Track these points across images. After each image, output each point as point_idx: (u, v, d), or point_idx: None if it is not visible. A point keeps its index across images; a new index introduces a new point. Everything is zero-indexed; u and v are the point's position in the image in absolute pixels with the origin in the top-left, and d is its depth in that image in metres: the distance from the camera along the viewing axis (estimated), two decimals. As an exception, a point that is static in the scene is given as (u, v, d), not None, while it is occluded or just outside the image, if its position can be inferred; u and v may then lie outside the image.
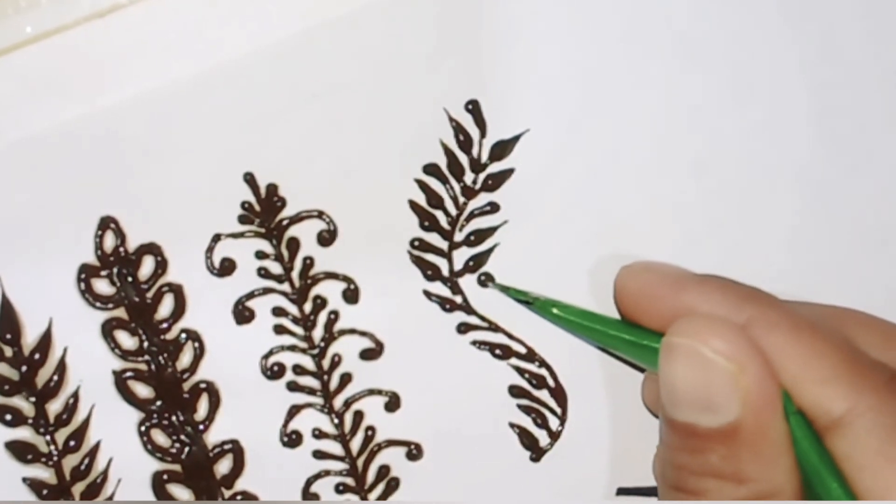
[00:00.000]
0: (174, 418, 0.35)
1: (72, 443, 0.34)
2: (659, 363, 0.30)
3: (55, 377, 0.34)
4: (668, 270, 0.33)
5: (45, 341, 0.34)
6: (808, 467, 0.29)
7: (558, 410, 0.36)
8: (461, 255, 0.35)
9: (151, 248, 0.34)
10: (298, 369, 0.35)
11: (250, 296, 0.35)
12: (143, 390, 0.34)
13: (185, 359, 0.35)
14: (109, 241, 0.34)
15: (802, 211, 0.36)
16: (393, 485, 0.35)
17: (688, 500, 0.30)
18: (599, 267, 0.36)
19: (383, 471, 0.35)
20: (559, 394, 0.36)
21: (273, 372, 0.35)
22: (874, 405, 0.28)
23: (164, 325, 0.34)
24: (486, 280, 0.35)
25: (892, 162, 0.37)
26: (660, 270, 0.33)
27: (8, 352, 0.34)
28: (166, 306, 0.35)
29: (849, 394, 0.29)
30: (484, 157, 0.35)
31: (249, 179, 0.35)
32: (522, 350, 0.36)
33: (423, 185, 0.35)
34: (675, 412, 0.30)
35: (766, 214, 0.36)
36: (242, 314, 0.35)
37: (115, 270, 0.34)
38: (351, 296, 0.35)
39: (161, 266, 0.34)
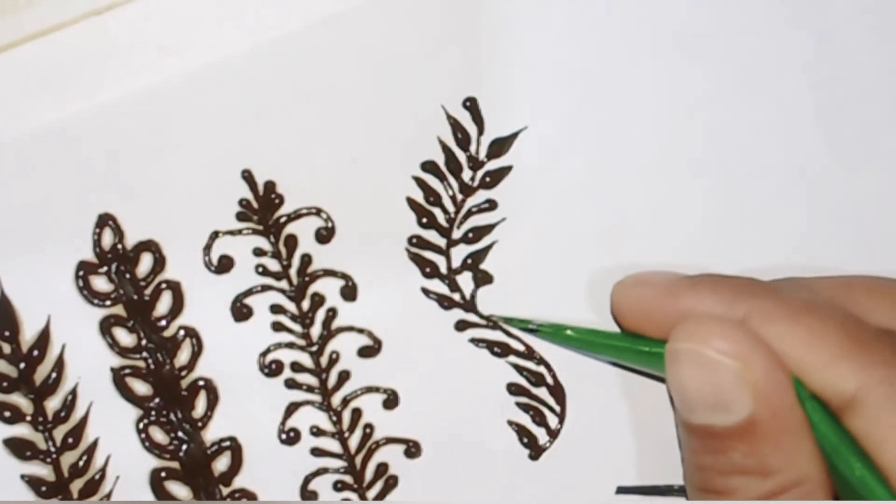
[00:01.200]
0: (172, 415, 0.35)
1: (70, 440, 0.34)
2: (665, 370, 0.30)
3: (53, 374, 0.34)
4: (659, 279, 0.33)
5: (44, 338, 0.34)
6: (829, 450, 0.29)
7: (557, 408, 0.36)
8: (459, 253, 0.35)
9: (149, 246, 0.34)
10: (296, 366, 0.35)
11: (248, 293, 0.35)
12: (141, 387, 0.34)
13: (182, 356, 0.35)
14: (107, 239, 0.34)
15: (804, 208, 0.36)
16: (391, 482, 0.35)
17: (717, 500, 0.30)
18: (598, 264, 0.35)
19: (381, 468, 0.35)
20: (558, 391, 0.36)
21: (271, 369, 0.35)
22: (885, 378, 0.28)
23: (163, 323, 0.35)
24: (489, 317, 0.35)
25: (893, 159, 0.36)
26: (652, 281, 0.33)
27: (6, 349, 0.34)
28: (164, 303, 0.35)
29: (857, 371, 0.29)
30: (482, 155, 0.35)
31: (247, 176, 0.35)
32: (521, 347, 0.36)
33: (421, 183, 0.35)
34: (690, 416, 0.30)
35: (766, 212, 0.36)
36: (240, 311, 0.35)
37: (113, 267, 0.34)
38: (349, 293, 0.35)
39: (159, 263, 0.34)
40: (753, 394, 0.29)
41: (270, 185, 0.35)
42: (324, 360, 0.35)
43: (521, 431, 0.36)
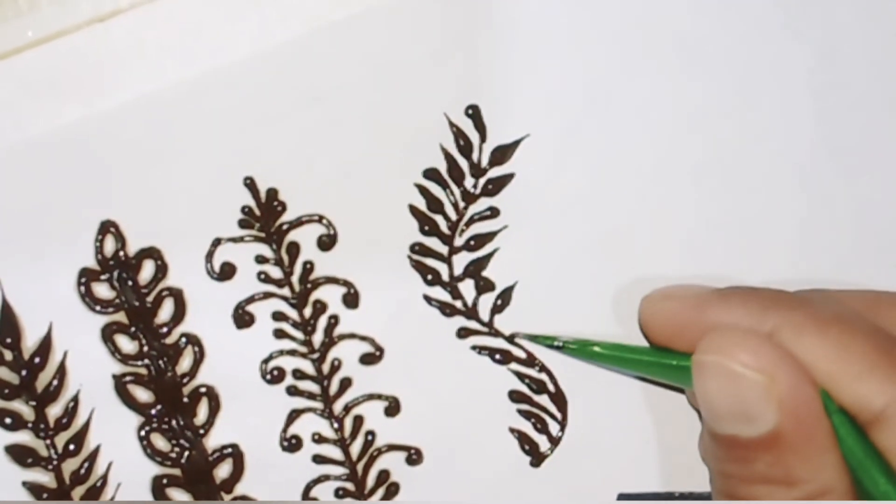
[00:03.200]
0: (174, 423, 0.34)
1: (72, 447, 0.34)
2: (693, 381, 0.30)
3: (55, 381, 0.34)
4: (687, 293, 0.33)
5: (45, 345, 0.34)
6: (854, 464, 0.29)
7: (558, 415, 0.36)
8: (461, 260, 0.35)
9: (151, 253, 0.34)
10: (298, 374, 0.35)
11: (250, 300, 0.35)
12: (142, 394, 0.34)
13: (184, 363, 0.35)
14: (110, 245, 0.34)
15: (804, 214, 0.36)
16: (393, 490, 0.35)
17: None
18: (600, 272, 0.36)
19: (383, 476, 0.35)
20: (559, 399, 0.36)
21: (273, 376, 0.35)
22: None
23: (164, 330, 0.34)
24: (513, 335, 0.35)
25: (892, 166, 0.37)
26: (680, 295, 0.33)
27: (8, 356, 0.34)
28: (166, 310, 0.35)
29: (886, 386, 0.29)
30: (484, 162, 0.35)
31: (250, 184, 0.35)
32: (522, 355, 0.36)
33: (423, 190, 0.35)
34: (715, 426, 0.30)
35: (768, 218, 0.36)
36: (242, 318, 0.35)
37: (115, 274, 0.34)
38: (351, 300, 0.35)
39: (161, 270, 0.34)
40: (779, 407, 0.29)
41: (273, 193, 0.35)
42: (325, 368, 0.35)
43: (523, 439, 0.36)
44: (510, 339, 0.35)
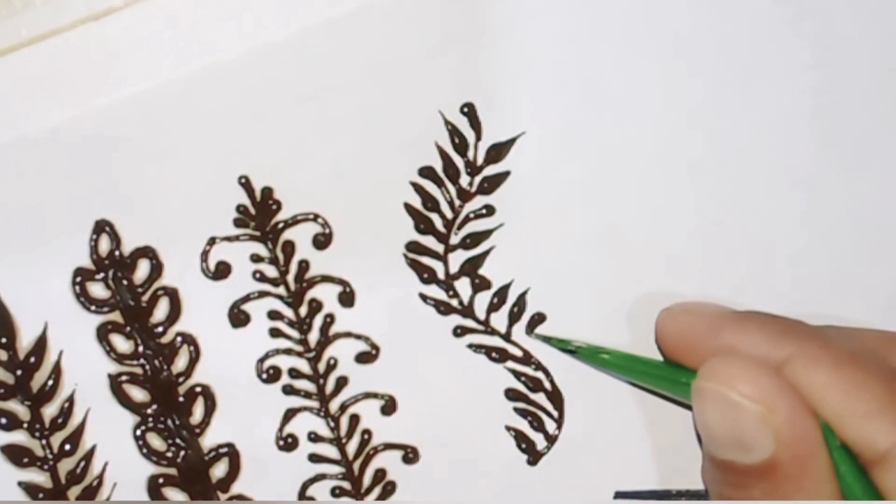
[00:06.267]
0: (170, 422, 0.34)
1: (67, 447, 0.34)
2: (692, 405, 0.30)
3: (50, 381, 0.34)
4: (706, 311, 0.33)
5: (41, 345, 0.34)
6: (851, 501, 0.29)
7: (555, 413, 0.36)
8: (457, 258, 0.35)
9: (147, 252, 0.34)
10: (294, 373, 0.35)
11: (246, 299, 0.35)
12: (138, 394, 0.34)
13: (180, 362, 0.35)
14: (104, 245, 0.34)
15: (800, 212, 0.36)
16: (389, 488, 0.35)
17: None
18: (596, 269, 0.35)
19: (379, 474, 0.35)
20: (556, 397, 0.36)
21: (269, 375, 0.35)
22: None
23: (160, 329, 0.34)
24: (528, 331, 0.35)
25: (891, 164, 0.36)
26: (698, 311, 0.33)
27: (3, 355, 0.34)
28: (161, 310, 0.34)
29: (894, 428, 0.29)
30: (479, 160, 0.35)
31: (245, 182, 0.35)
32: (519, 353, 0.36)
33: (418, 188, 0.35)
34: (713, 451, 0.30)
35: (764, 217, 0.36)
36: (238, 317, 0.35)
37: (110, 274, 0.34)
38: (346, 299, 0.35)
39: (156, 269, 0.34)
40: (775, 437, 0.29)
41: (268, 191, 0.35)
42: (321, 366, 0.35)
43: (519, 437, 0.36)
44: (506, 336, 0.35)
